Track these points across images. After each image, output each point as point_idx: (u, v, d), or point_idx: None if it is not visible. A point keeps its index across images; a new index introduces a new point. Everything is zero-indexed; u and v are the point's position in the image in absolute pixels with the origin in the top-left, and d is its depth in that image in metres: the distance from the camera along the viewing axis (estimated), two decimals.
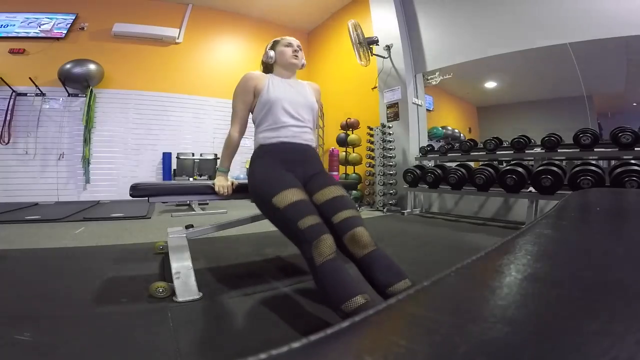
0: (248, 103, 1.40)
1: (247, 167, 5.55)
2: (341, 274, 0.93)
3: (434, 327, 0.18)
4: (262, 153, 1.31)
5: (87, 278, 1.49)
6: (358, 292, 0.89)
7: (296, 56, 1.43)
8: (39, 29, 4.77)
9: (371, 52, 4.49)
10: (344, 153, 4.97)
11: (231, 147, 1.45)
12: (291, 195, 1.09)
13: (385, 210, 4.10)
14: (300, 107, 1.37)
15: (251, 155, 1.39)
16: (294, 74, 1.49)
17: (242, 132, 1.45)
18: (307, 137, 1.37)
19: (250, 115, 1.45)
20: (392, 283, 0.96)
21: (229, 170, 1.51)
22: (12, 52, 4.69)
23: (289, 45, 1.44)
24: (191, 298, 1.26)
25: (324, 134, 5.74)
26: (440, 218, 3.62)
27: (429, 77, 4.47)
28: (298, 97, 1.39)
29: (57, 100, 4.86)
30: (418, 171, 3.71)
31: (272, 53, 1.44)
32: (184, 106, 5.59)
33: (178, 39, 5.60)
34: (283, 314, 1.15)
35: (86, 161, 4.88)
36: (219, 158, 4.30)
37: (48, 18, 4.85)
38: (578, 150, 2.75)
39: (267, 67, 1.49)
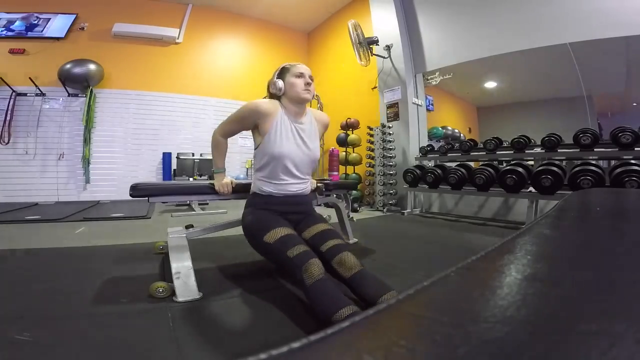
0: (243, 129, 1.40)
1: (247, 166, 5.56)
2: (330, 291, 1.01)
3: (434, 327, 0.18)
4: (257, 202, 1.37)
5: (87, 278, 1.49)
6: (345, 304, 0.96)
7: (308, 90, 1.31)
8: (39, 29, 4.77)
9: (371, 52, 4.49)
10: (344, 153, 4.97)
11: (220, 147, 1.46)
12: (279, 232, 1.20)
13: (385, 210, 4.10)
14: (303, 164, 1.37)
15: (247, 198, 1.43)
16: (304, 108, 1.39)
17: (227, 138, 1.47)
18: (302, 187, 1.41)
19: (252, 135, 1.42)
20: (381, 294, 1.04)
21: (224, 169, 1.51)
22: (12, 52, 4.69)
23: (301, 75, 1.31)
24: (191, 298, 1.26)
25: (324, 134, 5.73)
26: (440, 218, 3.62)
27: (429, 77, 4.47)
28: (304, 153, 1.35)
29: (57, 100, 4.86)
30: (418, 171, 3.71)
31: (280, 84, 1.32)
32: (184, 106, 5.59)
33: (178, 39, 5.60)
34: (283, 314, 1.15)
35: (86, 161, 4.88)
36: None
37: (48, 18, 4.84)
38: (578, 150, 2.75)
39: (272, 97, 1.39)
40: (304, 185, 1.41)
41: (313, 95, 1.36)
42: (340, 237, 1.30)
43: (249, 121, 1.34)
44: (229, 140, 1.50)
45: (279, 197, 1.36)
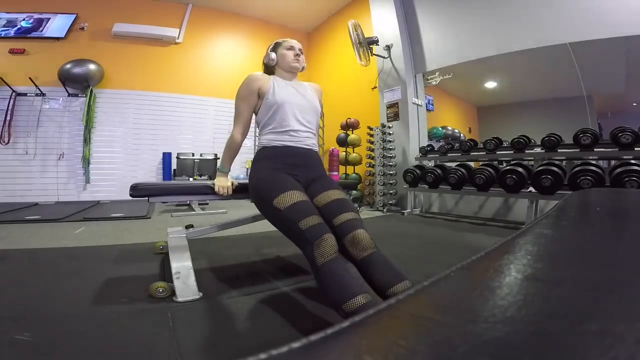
0: (252, 104, 1.39)
1: (247, 166, 5.56)
2: (343, 274, 0.93)
3: (434, 327, 0.18)
4: (265, 155, 1.31)
5: (87, 278, 1.49)
6: (359, 291, 0.89)
7: (297, 60, 1.43)
8: (39, 29, 4.77)
9: (371, 52, 4.49)
10: (344, 153, 4.97)
11: (233, 149, 1.45)
12: (292, 197, 1.10)
13: (385, 210, 4.10)
14: (305, 111, 1.38)
15: (253, 156, 1.39)
16: (295, 77, 1.49)
17: (244, 134, 1.45)
18: (311, 142, 1.38)
19: (254, 117, 1.44)
20: (392, 284, 0.97)
21: (229, 171, 1.51)
22: (12, 52, 4.69)
23: (291, 48, 1.43)
24: (191, 298, 1.26)
25: (324, 134, 5.74)
26: (440, 218, 3.62)
27: (429, 77, 4.47)
28: (303, 101, 1.39)
29: (57, 100, 4.86)
30: (418, 171, 3.71)
31: (273, 55, 1.42)
32: (184, 106, 5.59)
33: (178, 39, 5.60)
34: (283, 314, 1.15)
35: (86, 161, 4.88)
36: (219, 158, 4.30)
37: (48, 18, 4.84)
38: (578, 150, 2.75)
39: (269, 69, 1.47)
40: (311, 137, 1.39)
41: (303, 67, 1.45)
42: (356, 210, 1.19)
43: (252, 92, 1.36)
44: None
45: (289, 147, 1.31)
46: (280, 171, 1.24)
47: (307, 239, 1.00)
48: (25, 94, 4.67)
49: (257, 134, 1.40)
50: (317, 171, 1.35)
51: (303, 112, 1.37)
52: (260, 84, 1.36)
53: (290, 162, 1.29)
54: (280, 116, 1.33)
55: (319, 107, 1.46)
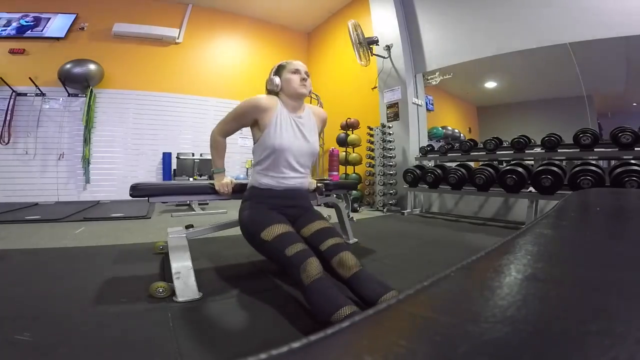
0: (242, 126, 1.40)
1: (247, 166, 5.56)
2: (328, 290, 1.00)
3: (434, 327, 0.18)
4: (254, 195, 1.35)
5: (87, 278, 1.49)
6: (344, 303, 0.95)
7: (304, 85, 1.35)
8: (39, 29, 4.77)
9: (371, 52, 4.49)
10: (344, 153, 4.97)
11: (219, 147, 1.46)
12: (278, 229, 1.18)
13: (385, 210, 4.10)
14: (302, 156, 1.37)
15: (244, 193, 1.42)
16: (301, 103, 1.42)
17: (226, 137, 1.46)
18: (301, 181, 1.40)
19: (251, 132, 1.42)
20: (381, 295, 1.03)
21: (224, 169, 1.51)
22: (12, 52, 4.69)
23: (296, 72, 1.35)
24: (191, 298, 1.26)
25: (324, 134, 5.74)
26: (440, 218, 3.62)
27: (429, 77, 4.47)
28: (303, 145, 1.36)
29: (57, 100, 4.86)
30: (418, 171, 3.71)
31: (277, 80, 1.35)
32: (184, 106, 5.59)
33: (178, 39, 5.60)
34: (283, 314, 1.15)
35: (86, 161, 4.88)
36: None
37: (48, 18, 4.85)
38: (578, 150, 2.75)
39: (270, 93, 1.41)
40: (303, 179, 1.40)
41: (309, 91, 1.40)
42: (340, 235, 1.28)
43: (248, 117, 1.34)
44: (229, 139, 1.50)
45: (277, 190, 1.34)
46: (268, 209, 1.30)
47: (293, 264, 1.07)
48: (25, 94, 4.67)
49: (252, 162, 1.40)
50: (304, 207, 1.41)
51: (299, 157, 1.36)
52: (263, 115, 1.31)
53: (278, 203, 1.34)
54: (275, 163, 1.33)
55: (317, 147, 1.44)
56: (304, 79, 1.35)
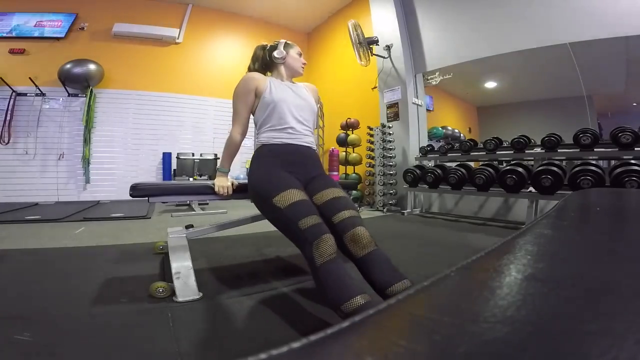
0: (250, 104, 1.39)
1: (247, 166, 5.55)
2: (341, 275, 0.93)
3: (434, 327, 0.18)
4: (264, 153, 1.30)
5: (87, 278, 1.49)
6: (358, 292, 0.89)
7: (303, 67, 1.50)
8: (39, 29, 4.77)
9: (371, 52, 4.49)
10: (344, 153, 4.97)
11: (232, 148, 1.45)
12: (292, 196, 1.09)
13: (385, 210, 4.10)
14: (302, 110, 1.39)
15: (252, 154, 1.38)
16: (291, 79, 1.51)
17: (244, 134, 1.44)
18: (309, 140, 1.39)
19: (252, 117, 1.44)
20: (391, 283, 0.97)
21: (229, 170, 1.51)
22: (12, 52, 4.69)
23: (300, 55, 1.49)
24: (191, 298, 1.26)
25: (324, 134, 5.74)
26: (440, 218, 3.62)
27: (429, 77, 4.47)
28: (300, 100, 1.40)
29: (57, 100, 4.86)
30: (418, 171, 3.71)
31: (284, 53, 1.44)
32: (184, 106, 5.59)
33: (178, 39, 5.60)
34: (283, 314, 1.15)
35: (86, 161, 4.88)
36: (219, 158, 4.30)
37: (48, 18, 4.84)
38: (578, 150, 2.75)
39: (265, 65, 1.48)
40: (309, 135, 1.39)
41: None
42: (355, 207, 1.18)
43: (249, 91, 1.37)
44: None
45: (287, 144, 1.31)
46: (280, 169, 1.24)
47: (306, 238, 0.99)
48: (25, 94, 4.67)
49: (255, 133, 1.38)
50: (316, 169, 1.35)
51: (300, 110, 1.38)
52: (257, 83, 1.37)
53: (290, 159, 1.28)
54: (278, 114, 1.33)
55: (315, 106, 1.48)
56: (304, 64, 1.51)
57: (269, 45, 1.49)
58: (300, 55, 1.49)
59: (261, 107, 1.37)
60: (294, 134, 1.33)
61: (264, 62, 1.48)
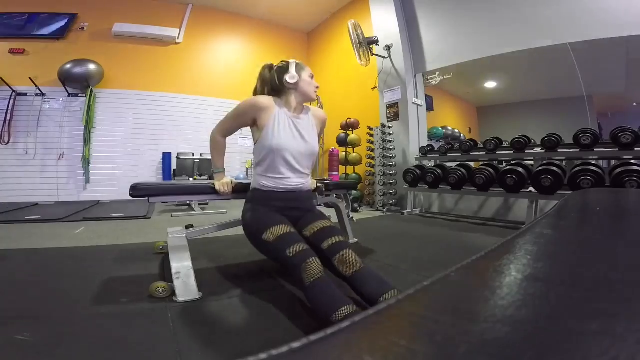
0: (241, 125, 1.42)
1: (248, 166, 5.56)
2: (329, 290, 1.00)
3: (434, 327, 0.18)
4: (256, 197, 1.37)
5: (87, 278, 1.49)
6: (345, 303, 0.96)
7: (316, 92, 1.42)
8: (38, 29, 4.77)
9: (371, 52, 4.49)
10: (344, 153, 4.97)
11: (219, 148, 1.47)
12: (279, 230, 1.20)
13: (385, 210, 4.10)
14: (302, 157, 1.37)
15: (248, 194, 1.43)
16: (303, 106, 1.44)
17: (226, 137, 1.48)
18: (303, 182, 1.40)
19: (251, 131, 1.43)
20: (382, 293, 1.04)
21: (224, 169, 1.51)
22: (12, 52, 4.69)
23: (312, 77, 1.41)
24: (191, 298, 1.26)
25: (324, 134, 5.75)
26: (440, 218, 3.62)
27: (429, 77, 4.47)
28: (302, 145, 1.36)
29: (57, 100, 4.86)
30: (418, 171, 3.71)
31: (297, 78, 1.35)
32: (184, 106, 5.59)
33: (178, 39, 5.60)
34: (283, 314, 1.15)
35: (86, 161, 4.88)
36: None
37: (48, 18, 4.85)
38: (578, 150, 2.75)
39: (275, 89, 1.39)
40: (303, 180, 1.41)
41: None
42: (342, 234, 1.29)
43: (247, 117, 1.36)
44: (229, 139, 1.51)
45: (279, 192, 1.35)
46: (270, 211, 1.32)
47: (294, 263, 1.08)
48: (25, 94, 4.67)
49: (253, 163, 1.41)
50: (306, 207, 1.42)
51: (298, 158, 1.36)
52: (261, 114, 1.32)
53: (280, 205, 1.35)
54: (273, 162, 1.33)
55: (316, 147, 1.43)
56: (317, 87, 1.43)
57: (276, 66, 1.41)
58: (312, 77, 1.41)
59: (260, 145, 1.34)
60: (287, 182, 1.35)
61: (272, 86, 1.39)
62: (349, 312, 0.93)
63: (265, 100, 1.34)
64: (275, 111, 1.34)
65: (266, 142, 1.31)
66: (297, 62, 1.42)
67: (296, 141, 1.35)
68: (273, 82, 1.39)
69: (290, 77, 1.35)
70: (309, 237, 1.26)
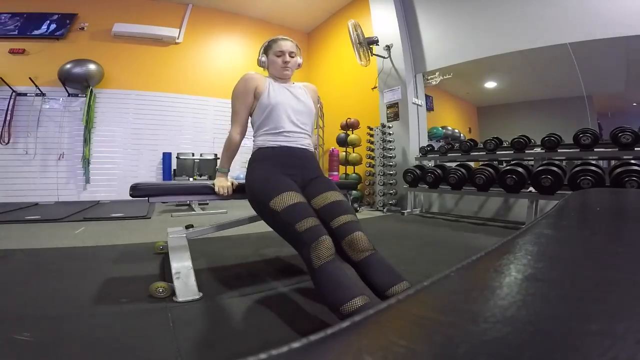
0: (248, 104, 1.38)
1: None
2: (339, 276, 0.93)
3: (434, 327, 0.18)
4: (261, 156, 1.30)
5: (87, 278, 1.49)
6: (357, 293, 0.89)
7: (286, 67, 1.38)
8: (38, 29, 4.77)
9: (371, 52, 4.49)
10: (344, 153, 4.97)
11: (231, 149, 1.45)
12: (289, 198, 1.09)
13: (385, 210, 4.10)
14: (300, 114, 1.37)
15: (249, 157, 1.38)
16: (288, 80, 1.46)
17: (243, 134, 1.44)
18: (306, 142, 1.38)
19: (249, 118, 1.44)
20: (390, 285, 0.97)
21: (229, 171, 1.51)
22: (12, 52, 4.69)
23: (280, 54, 1.37)
24: (191, 298, 1.26)
25: (324, 134, 5.74)
26: (440, 218, 3.62)
27: (429, 77, 4.47)
28: (298, 104, 1.38)
29: (57, 100, 4.86)
30: (418, 171, 3.71)
31: (263, 58, 1.42)
32: (184, 106, 5.59)
33: (178, 39, 5.60)
34: (283, 314, 1.15)
35: (86, 161, 4.88)
36: (219, 158, 4.29)
37: (48, 18, 4.84)
38: (578, 150, 2.75)
39: (261, 67, 1.47)
40: (306, 138, 1.38)
41: (293, 70, 1.42)
42: (353, 212, 1.19)
43: (249, 91, 1.36)
44: None
45: (283, 147, 1.30)
46: (277, 172, 1.23)
47: (304, 241, 0.99)
48: (25, 94, 4.67)
49: (252, 135, 1.38)
50: (314, 172, 1.35)
51: (297, 114, 1.36)
52: (256, 83, 1.36)
53: (287, 162, 1.28)
54: (274, 118, 1.32)
55: (313, 108, 1.45)
56: (286, 62, 1.37)
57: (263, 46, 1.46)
58: (280, 54, 1.37)
59: (258, 109, 1.36)
60: (290, 137, 1.33)
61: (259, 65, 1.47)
62: (362, 303, 0.87)
63: (255, 74, 1.38)
64: (267, 81, 1.39)
65: (264, 103, 1.33)
66: (270, 41, 1.43)
67: (293, 100, 1.37)
68: (258, 62, 1.46)
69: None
70: (317, 210, 1.16)
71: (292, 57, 1.40)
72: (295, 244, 1.04)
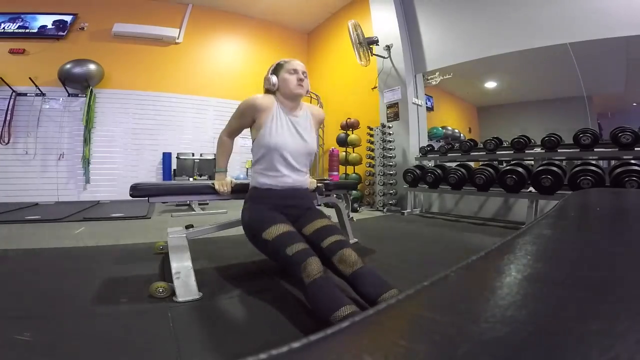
0: (245, 125, 1.42)
1: (247, 166, 5.56)
2: (328, 290, 1.00)
3: (434, 327, 0.18)
4: (255, 196, 1.37)
5: (87, 278, 1.49)
6: (345, 303, 0.95)
7: (301, 85, 1.35)
8: (38, 29, 4.77)
9: (371, 52, 4.49)
10: (344, 153, 4.97)
11: (224, 147, 1.49)
12: (279, 229, 1.20)
13: (385, 210, 4.10)
14: (299, 155, 1.38)
15: (247, 193, 1.43)
16: (298, 103, 1.42)
17: (232, 138, 1.49)
18: (301, 180, 1.40)
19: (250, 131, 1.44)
20: (381, 293, 1.03)
21: (226, 169, 1.52)
22: (12, 52, 4.69)
23: (294, 72, 1.35)
24: (191, 298, 1.26)
25: (324, 134, 5.74)
26: (440, 218, 3.62)
27: (429, 77, 4.47)
28: (299, 144, 1.36)
29: (57, 100, 4.86)
30: (418, 171, 3.71)
31: (274, 79, 1.36)
32: (184, 106, 5.59)
33: (178, 39, 5.60)
34: (283, 314, 1.15)
35: (86, 161, 4.88)
36: None
37: (48, 18, 4.84)
38: (578, 150, 2.75)
39: (269, 91, 1.41)
40: (301, 178, 1.40)
41: (307, 91, 1.40)
42: (341, 233, 1.28)
43: (247, 117, 1.37)
44: None
45: (277, 190, 1.35)
46: (269, 210, 1.31)
47: (294, 262, 1.07)
48: (25, 94, 4.67)
49: (252, 163, 1.41)
50: (306, 205, 1.41)
51: (296, 156, 1.36)
52: (260, 114, 1.34)
53: (280, 203, 1.35)
54: (271, 160, 1.34)
55: (314, 147, 1.44)
56: (300, 79, 1.35)
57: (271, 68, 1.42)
58: (294, 72, 1.35)
59: (258, 143, 1.35)
60: (284, 180, 1.35)
61: (266, 88, 1.41)
62: (349, 312, 0.93)
63: (264, 99, 1.35)
64: (274, 110, 1.35)
65: (264, 141, 1.32)
66: (280, 61, 1.40)
67: (294, 139, 1.36)
68: (265, 84, 1.42)
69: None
70: (308, 236, 1.26)
71: (305, 77, 1.39)
72: (287, 266, 1.12)
